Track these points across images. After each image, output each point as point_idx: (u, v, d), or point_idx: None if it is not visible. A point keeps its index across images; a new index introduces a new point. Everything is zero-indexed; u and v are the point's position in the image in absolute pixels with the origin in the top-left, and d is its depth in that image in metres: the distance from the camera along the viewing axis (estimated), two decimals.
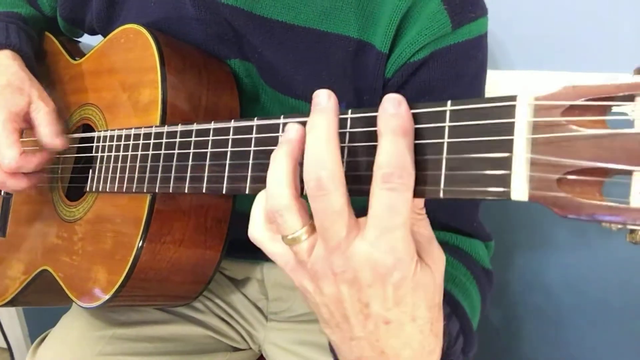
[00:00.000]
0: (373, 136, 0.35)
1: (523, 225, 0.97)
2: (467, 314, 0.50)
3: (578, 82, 0.29)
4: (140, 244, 0.57)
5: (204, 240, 0.62)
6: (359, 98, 0.61)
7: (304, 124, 0.40)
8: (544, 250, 0.97)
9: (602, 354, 0.97)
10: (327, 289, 0.35)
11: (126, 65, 0.64)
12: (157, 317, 0.75)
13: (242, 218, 0.70)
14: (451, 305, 0.50)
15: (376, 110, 0.35)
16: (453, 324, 0.46)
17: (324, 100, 0.35)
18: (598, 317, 0.96)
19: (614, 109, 0.29)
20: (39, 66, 0.75)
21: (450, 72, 0.57)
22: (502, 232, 0.96)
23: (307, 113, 0.62)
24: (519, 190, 0.29)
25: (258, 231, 0.38)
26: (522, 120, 0.29)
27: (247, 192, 0.44)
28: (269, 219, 0.38)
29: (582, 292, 0.96)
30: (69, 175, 0.72)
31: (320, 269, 0.35)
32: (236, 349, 0.79)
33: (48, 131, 0.64)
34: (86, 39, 0.82)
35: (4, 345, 0.91)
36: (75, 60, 0.74)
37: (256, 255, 0.77)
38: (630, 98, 0.28)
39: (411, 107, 0.34)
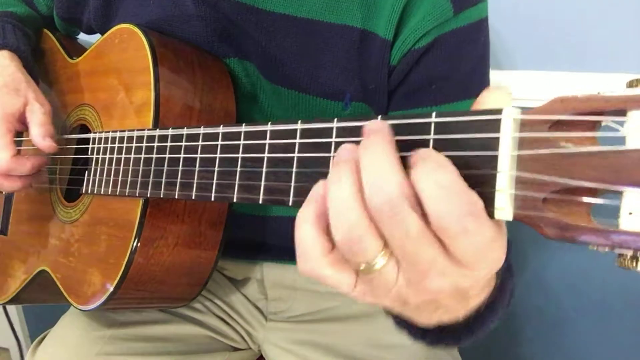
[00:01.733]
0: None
1: (523, 225, 0.96)
2: None
3: (565, 94, 0.28)
4: (133, 248, 0.56)
5: (199, 244, 0.61)
6: (365, 88, 0.60)
7: (288, 130, 0.39)
8: (544, 250, 0.96)
9: (602, 354, 0.97)
10: (415, 301, 0.32)
11: (120, 65, 0.63)
12: (156, 317, 0.75)
13: (241, 218, 0.70)
14: None
15: (363, 120, 0.33)
16: None
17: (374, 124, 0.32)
18: (598, 318, 0.95)
19: (605, 124, 0.27)
20: (37, 65, 0.74)
21: (454, 57, 0.57)
22: None
23: (307, 114, 0.62)
24: (503, 210, 0.28)
25: (318, 264, 0.32)
26: (507, 135, 0.28)
27: (234, 200, 0.43)
28: (328, 248, 0.32)
29: (582, 293, 0.95)
30: (67, 176, 0.72)
31: (411, 294, 0.31)
32: (235, 349, 0.79)
33: (39, 132, 0.64)
34: (84, 37, 0.81)
35: (4, 345, 0.92)
36: (73, 59, 0.74)
37: (255, 255, 0.78)
38: (622, 113, 0.26)
39: (394, 118, 0.33)
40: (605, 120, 0.26)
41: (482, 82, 0.61)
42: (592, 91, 0.28)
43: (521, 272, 0.98)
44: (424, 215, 0.28)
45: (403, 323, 0.41)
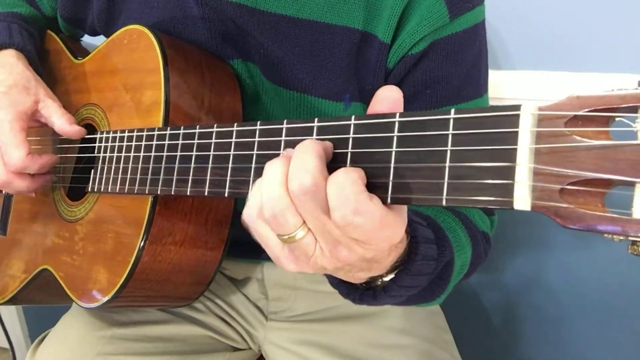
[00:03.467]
0: (376, 142, 0.36)
1: (523, 225, 0.97)
2: (443, 229, 0.52)
3: (582, 92, 0.29)
4: (141, 245, 0.57)
5: (205, 242, 0.62)
6: (362, 88, 0.62)
7: (304, 127, 0.40)
8: (544, 250, 0.97)
9: (602, 354, 0.98)
10: (331, 267, 0.39)
11: (129, 65, 0.64)
12: (157, 317, 0.75)
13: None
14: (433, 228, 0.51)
15: (381, 117, 0.35)
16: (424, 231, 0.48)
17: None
18: (598, 317, 0.96)
19: (618, 120, 0.29)
20: (42, 65, 0.75)
21: (449, 62, 0.59)
22: (502, 232, 0.96)
23: (309, 115, 0.63)
24: (522, 200, 0.29)
25: (253, 215, 0.40)
26: (526, 130, 0.30)
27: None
28: (264, 219, 0.38)
29: (582, 292, 0.96)
30: (70, 174, 0.72)
31: (326, 262, 0.38)
32: (236, 349, 0.79)
33: (65, 120, 0.65)
34: (87, 39, 0.82)
35: (4, 345, 0.91)
36: (78, 59, 0.74)
37: (256, 255, 0.78)
38: (634, 109, 0.28)
39: (415, 115, 0.34)
40: (619, 116, 0.28)
41: (476, 86, 0.62)
42: (603, 89, 0.29)
43: (521, 272, 1.00)
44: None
45: (336, 283, 0.48)
